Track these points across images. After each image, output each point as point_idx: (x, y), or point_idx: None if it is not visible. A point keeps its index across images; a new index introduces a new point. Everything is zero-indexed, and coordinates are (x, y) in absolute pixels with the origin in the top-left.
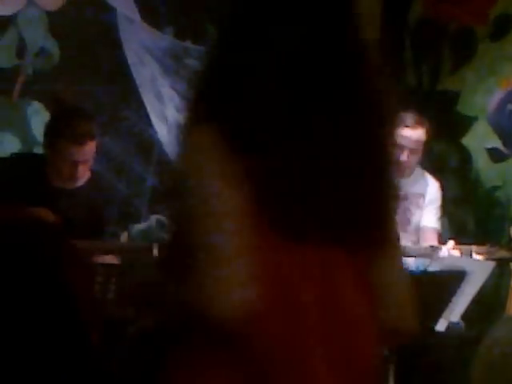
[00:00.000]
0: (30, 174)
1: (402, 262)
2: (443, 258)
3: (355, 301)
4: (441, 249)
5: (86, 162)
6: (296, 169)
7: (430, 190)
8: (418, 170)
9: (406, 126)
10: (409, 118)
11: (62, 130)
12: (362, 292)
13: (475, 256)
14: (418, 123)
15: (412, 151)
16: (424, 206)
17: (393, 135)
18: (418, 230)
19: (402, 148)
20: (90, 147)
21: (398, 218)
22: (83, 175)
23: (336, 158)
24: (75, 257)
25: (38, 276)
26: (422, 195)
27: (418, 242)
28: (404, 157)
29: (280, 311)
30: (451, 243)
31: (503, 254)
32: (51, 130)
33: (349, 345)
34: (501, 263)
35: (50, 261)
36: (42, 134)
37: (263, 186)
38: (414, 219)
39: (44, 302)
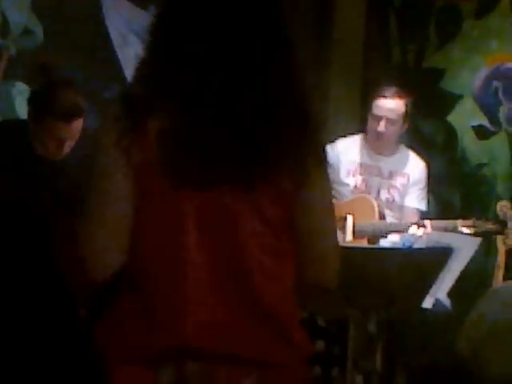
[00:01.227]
0: (13, 141)
1: (329, 214)
2: (429, 235)
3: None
4: (410, 227)
5: (72, 138)
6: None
7: (415, 170)
8: (403, 149)
9: (383, 97)
10: (387, 89)
11: (49, 106)
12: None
13: (461, 229)
14: (396, 94)
15: (389, 121)
16: (408, 185)
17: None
18: (402, 208)
19: (378, 118)
20: (78, 124)
21: (383, 195)
22: (70, 147)
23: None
24: (65, 233)
25: (28, 250)
26: (407, 174)
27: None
28: (381, 127)
29: (164, 251)
30: (428, 225)
31: (489, 227)
32: (36, 105)
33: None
34: (487, 238)
35: (41, 236)
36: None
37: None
38: (399, 198)
39: (33, 275)
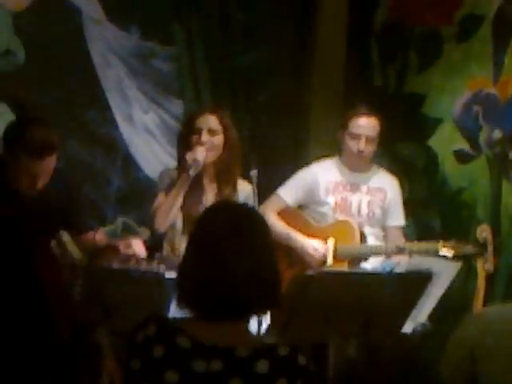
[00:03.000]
0: None
1: None
2: (410, 259)
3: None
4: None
5: (45, 174)
6: None
7: (391, 185)
8: (374, 166)
9: (361, 115)
10: (362, 108)
11: (22, 141)
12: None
13: (442, 251)
14: (371, 112)
15: (368, 139)
16: (387, 201)
17: None
18: (383, 224)
19: (358, 137)
20: (50, 161)
21: (363, 211)
22: (43, 183)
23: None
24: (48, 256)
25: (11, 271)
26: (384, 190)
27: (382, 236)
28: (362, 145)
29: None
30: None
31: (470, 249)
32: (10, 139)
33: None
34: (467, 262)
35: (25, 258)
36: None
37: None
38: (379, 212)
39: (16, 297)
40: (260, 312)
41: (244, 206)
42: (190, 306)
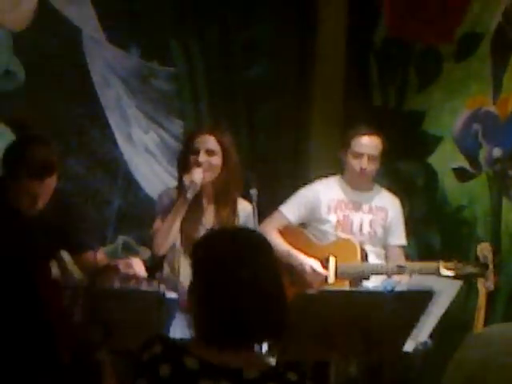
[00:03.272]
0: None
1: None
2: (410, 278)
3: None
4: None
5: (45, 194)
6: None
7: (393, 205)
8: (376, 185)
9: (363, 134)
10: (364, 128)
11: (23, 162)
12: None
13: (443, 271)
14: (374, 131)
15: (370, 158)
16: (388, 220)
17: None
18: (384, 243)
19: (360, 155)
20: (51, 181)
21: (365, 229)
22: (44, 203)
23: None
24: (48, 276)
25: (12, 291)
26: (385, 209)
27: (383, 255)
28: (364, 164)
29: None
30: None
31: (470, 269)
32: (11, 160)
33: None
34: (468, 281)
35: (26, 278)
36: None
37: None
38: (381, 231)
39: (17, 317)
40: (266, 339)
41: (245, 230)
42: (199, 336)
